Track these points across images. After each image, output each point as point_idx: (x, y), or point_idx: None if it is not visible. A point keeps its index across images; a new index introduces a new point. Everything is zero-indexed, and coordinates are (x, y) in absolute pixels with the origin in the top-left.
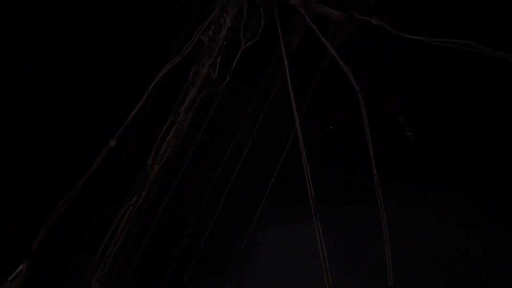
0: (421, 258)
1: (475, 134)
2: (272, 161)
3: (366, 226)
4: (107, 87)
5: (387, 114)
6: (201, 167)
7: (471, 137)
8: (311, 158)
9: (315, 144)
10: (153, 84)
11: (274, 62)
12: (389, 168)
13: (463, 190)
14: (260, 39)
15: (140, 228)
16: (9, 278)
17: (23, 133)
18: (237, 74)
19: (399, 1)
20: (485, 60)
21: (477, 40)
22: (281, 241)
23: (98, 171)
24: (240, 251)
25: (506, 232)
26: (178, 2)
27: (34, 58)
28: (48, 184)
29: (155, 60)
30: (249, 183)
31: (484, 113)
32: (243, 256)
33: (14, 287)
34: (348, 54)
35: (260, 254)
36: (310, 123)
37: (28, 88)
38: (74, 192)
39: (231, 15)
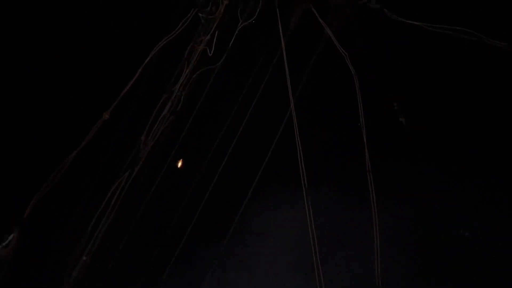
0: (409, 241)
1: (467, 122)
2: (266, 142)
3: (356, 207)
4: (103, 60)
5: (381, 99)
6: (195, 145)
7: (463, 124)
8: (305, 139)
9: (309, 126)
10: (148, 58)
11: (271, 43)
12: (381, 152)
13: (452, 176)
14: (258, 19)
15: (132, 203)
16: (0, 246)
17: (18, 103)
18: (234, 53)
19: None
20: (481, 48)
21: (474, 27)
22: (274, 216)
23: (92, 143)
24: (235, 223)
25: (492, 219)
26: None
27: (31, 30)
28: (41, 154)
29: (152, 35)
30: (243, 162)
31: (478, 101)
32: (238, 227)
33: (5, 255)
34: (346, 38)
35: (254, 226)
36: (305, 105)
37: (27, 58)
38: (67, 163)
39: None
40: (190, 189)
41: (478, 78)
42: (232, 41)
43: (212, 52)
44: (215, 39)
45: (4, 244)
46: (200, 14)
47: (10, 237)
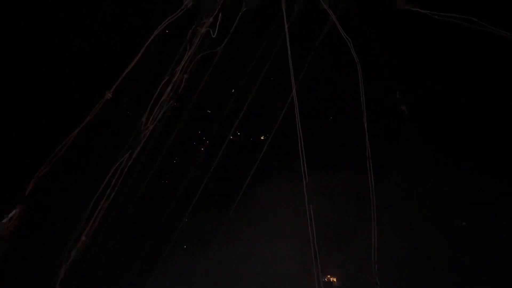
0: (407, 230)
1: (469, 112)
2: (268, 126)
3: (354, 196)
4: (106, 40)
5: (383, 86)
6: (196, 128)
7: (465, 114)
8: (306, 125)
9: (311, 111)
10: (151, 38)
11: (274, 27)
12: (382, 139)
13: (450, 166)
14: (261, 3)
15: (132, 183)
16: (3, 221)
17: (21, 82)
18: (236, 36)
19: None
20: (486, 37)
21: (480, 16)
22: (275, 196)
23: (94, 122)
24: (238, 200)
25: (489, 208)
26: None
27: (33, 17)
28: (44, 131)
29: (154, 16)
30: (244, 146)
31: (481, 90)
32: (241, 202)
33: (8, 230)
34: (349, 24)
35: (256, 201)
36: (307, 90)
37: (30, 39)
38: (69, 141)
39: None
40: (188, 177)
41: (482, 67)
42: (234, 25)
43: (215, 34)
44: (218, 22)
45: (4, 220)
46: None
47: (11, 214)
